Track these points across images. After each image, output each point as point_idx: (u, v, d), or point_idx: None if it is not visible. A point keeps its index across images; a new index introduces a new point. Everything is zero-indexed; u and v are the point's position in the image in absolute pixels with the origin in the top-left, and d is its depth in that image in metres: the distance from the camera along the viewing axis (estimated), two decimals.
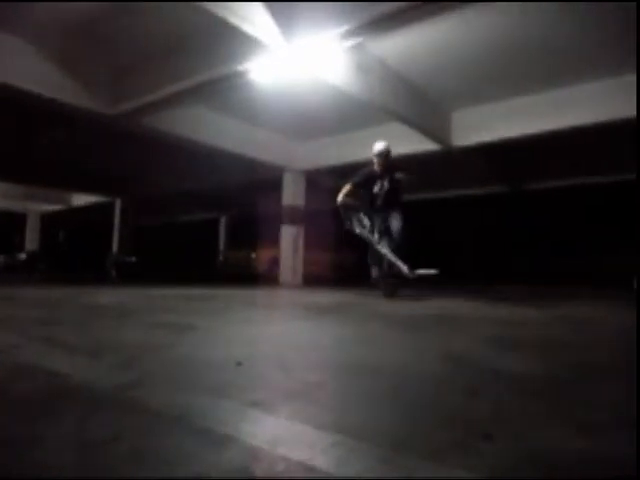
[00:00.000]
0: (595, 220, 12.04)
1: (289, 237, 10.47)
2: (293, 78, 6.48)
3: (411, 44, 6.05)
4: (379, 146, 5.33)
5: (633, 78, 6.25)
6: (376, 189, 5.37)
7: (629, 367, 1.71)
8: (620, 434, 1.01)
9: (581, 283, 9.90)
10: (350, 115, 8.27)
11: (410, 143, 8.40)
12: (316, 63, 5.69)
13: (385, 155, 5.32)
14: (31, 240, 21.34)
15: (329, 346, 2.21)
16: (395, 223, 5.25)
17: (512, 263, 12.93)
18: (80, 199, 19.00)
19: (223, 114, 8.82)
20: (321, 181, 11.36)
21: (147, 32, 6.02)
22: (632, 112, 6.10)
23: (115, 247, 16.61)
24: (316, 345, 2.24)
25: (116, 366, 1.60)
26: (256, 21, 4.75)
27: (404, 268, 4.86)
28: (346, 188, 5.46)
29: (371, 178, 5.41)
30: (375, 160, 5.37)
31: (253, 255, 12.64)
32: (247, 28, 4.71)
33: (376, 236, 5.32)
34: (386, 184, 5.33)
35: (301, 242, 10.65)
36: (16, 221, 22.36)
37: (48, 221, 21.69)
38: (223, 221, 20.54)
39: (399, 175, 5.38)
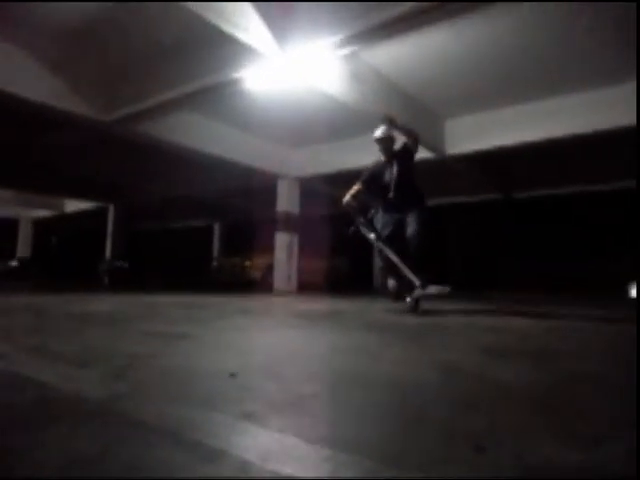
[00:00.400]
0: (590, 227, 12.15)
1: (283, 244, 10.46)
2: (288, 86, 6.51)
3: (405, 53, 6.10)
4: (377, 132, 4.75)
5: (630, 86, 6.30)
6: (386, 178, 4.68)
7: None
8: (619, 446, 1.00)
9: (575, 290, 9.97)
10: (344, 123, 8.31)
11: None
12: (310, 71, 5.71)
13: (386, 140, 4.70)
14: (23, 247, 21.15)
15: (323, 355, 2.20)
16: (412, 222, 4.44)
17: (503, 270, 13.01)
18: (73, 205, 18.89)
19: (218, 121, 8.83)
20: (316, 188, 11.37)
21: (142, 39, 6.02)
22: (629, 120, 6.16)
23: (108, 253, 16.50)
24: (309, 354, 2.23)
25: (106, 376, 1.58)
26: (250, 29, 4.77)
27: (415, 282, 4.14)
28: (354, 188, 4.88)
29: (379, 170, 4.79)
30: (379, 149, 4.80)
31: (247, 262, 12.59)
32: (241, 36, 4.73)
33: (383, 240, 4.58)
34: (395, 169, 4.63)
35: (295, 249, 10.64)
36: (8, 227, 22.17)
37: (40, 227, 21.53)
38: (217, 228, 20.49)
39: (404, 144, 4.71)
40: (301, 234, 10.86)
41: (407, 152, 4.70)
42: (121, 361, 1.85)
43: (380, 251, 4.64)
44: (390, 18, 4.43)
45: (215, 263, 15.29)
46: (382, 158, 4.78)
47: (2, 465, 0.86)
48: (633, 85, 6.27)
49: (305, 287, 10.67)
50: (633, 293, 9.24)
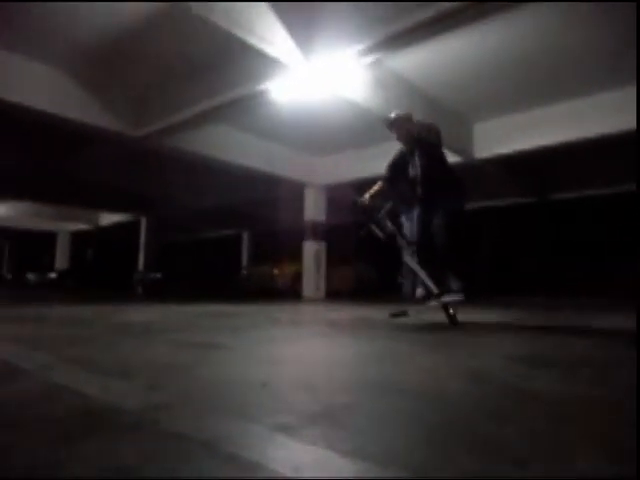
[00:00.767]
0: (622, 229, 11.70)
1: (311, 252, 10.50)
2: (313, 95, 6.57)
3: (429, 58, 6.08)
4: (389, 117, 4.10)
5: None
6: (411, 173, 3.98)
7: None
8: None
9: (613, 293, 9.60)
10: (370, 129, 8.32)
11: None
12: (335, 79, 5.75)
13: (401, 122, 3.99)
14: (61, 259, 21.98)
15: (353, 364, 2.19)
16: (438, 217, 3.74)
17: (539, 274, 12.65)
18: (107, 218, 19.54)
19: (245, 132, 8.99)
20: (342, 196, 11.39)
21: (171, 56, 6.21)
22: None
23: (141, 264, 16.96)
24: (340, 363, 2.22)
25: (143, 387, 1.62)
26: (276, 41, 4.85)
27: (433, 290, 3.67)
28: (373, 188, 4.19)
29: (401, 163, 4.08)
30: (396, 137, 4.08)
31: (276, 270, 12.69)
32: (267, 48, 4.82)
33: (404, 242, 3.97)
34: (418, 160, 3.90)
35: (323, 257, 10.66)
36: (47, 240, 23.12)
37: (77, 240, 22.34)
38: (246, 237, 20.75)
39: (430, 133, 3.84)
40: (328, 242, 10.88)
41: (436, 147, 3.90)
42: (157, 371, 1.89)
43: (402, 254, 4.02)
44: (413, 24, 4.43)
45: (244, 272, 15.48)
46: (403, 149, 4.08)
47: (51, 473, 0.90)
48: None
49: (333, 294, 10.66)
50: None
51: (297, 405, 1.40)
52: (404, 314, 4.01)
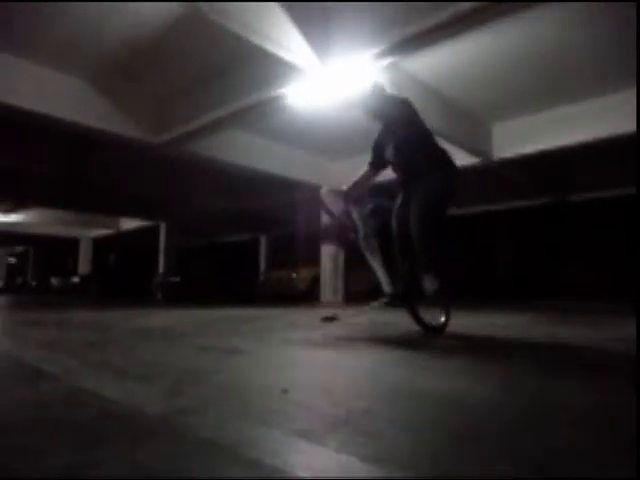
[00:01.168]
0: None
1: (329, 256, 10.50)
2: (329, 99, 6.58)
3: (444, 59, 6.04)
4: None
5: None
6: (390, 155, 3.36)
7: None
8: None
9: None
10: None
11: None
12: (350, 83, 5.76)
13: (368, 98, 3.38)
14: (84, 264, 22.43)
15: (372, 369, 2.18)
16: (414, 209, 3.07)
17: (558, 276, 12.40)
18: (128, 223, 19.88)
19: (262, 137, 9.06)
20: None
21: (188, 63, 6.30)
22: None
23: (161, 269, 17.19)
24: (359, 368, 2.21)
25: (166, 392, 1.63)
26: (293, 47, 4.88)
27: (385, 289, 3.29)
28: (361, 173, 3.63)
29: (382, 144, 3.47)
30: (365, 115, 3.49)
31: (294, 274, 12.71)
32: (283, 54, 4.85)
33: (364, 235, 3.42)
34: (394, 138, 3.31)
35: (341, 260, 10.65)
36: (70, 246, 23.65)
37: (99, 245, 22.78)
38: (263, 241, 20.86)
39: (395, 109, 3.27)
40: (346, 244, 10.85)
41: (397, 119, 3.29)
42: (179, 376, 1.91)
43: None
44: (430, 26, 4.41)
45: (262, 276, 15.55)
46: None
47: (78, 476, 0.91)
48: None
49: (351, 298, 10.63)
50: None
51: (317, 411, 1.39)
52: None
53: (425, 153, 3.21)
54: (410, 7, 4.46)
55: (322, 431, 1.18)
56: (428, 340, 3.21)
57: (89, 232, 21.89)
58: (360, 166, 3.72)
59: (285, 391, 1.60)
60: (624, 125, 6.69)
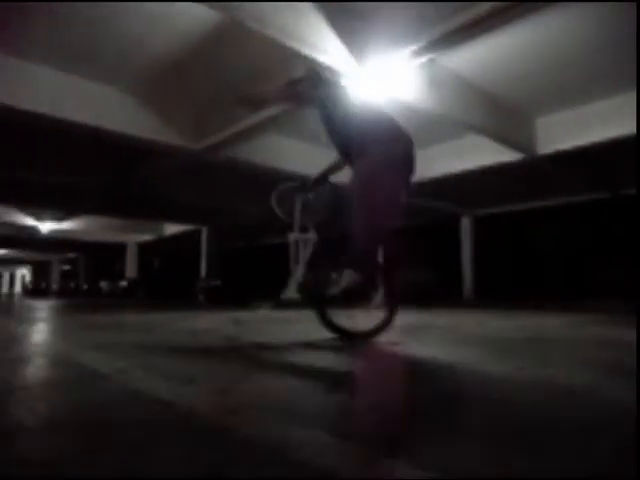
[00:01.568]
0: None
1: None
2: (366, 98, 6.55)
3: (485, 54, 5.88)
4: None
5: None
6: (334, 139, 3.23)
7: None
8: None
9: None
10: (425, 130, 8.17)
11: (489, 155, 8.09)
12: (388, 82, 5.71)
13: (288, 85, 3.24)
14: (130, 268, 23.34)
15: (418, 371, 2.14)
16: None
17: (613, 274, 11.78)
18: (171, 228, 20.53)
19: (300, 140, 9.13)
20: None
21: (227, 69, 6.44)
22: None
23: (203, 272, 17.62)
24: (405, 370, 2.17)
25: (213, 393, 1.66)
26: (329, 49, 4.88)
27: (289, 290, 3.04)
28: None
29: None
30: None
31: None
32: (320, 56, 4.86)
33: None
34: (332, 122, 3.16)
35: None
36: (117, 251, 24.68)
37: (144, 250, 23.64)
38: None
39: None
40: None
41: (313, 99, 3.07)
42: (223, 378, 1.95)
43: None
44: (469, 20, 4.32)
45: None
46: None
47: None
48: None
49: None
50: None
51: (363, 413, 1.38)
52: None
53: (357, 135, 2.95)
54: (447, 3, 4.37)
55: (369, 434, 1.16)
56: (476, 341, 3.12)
57: (135, 237, 22.75)
58: None
59: (330, 392, 1.59)
60: None
